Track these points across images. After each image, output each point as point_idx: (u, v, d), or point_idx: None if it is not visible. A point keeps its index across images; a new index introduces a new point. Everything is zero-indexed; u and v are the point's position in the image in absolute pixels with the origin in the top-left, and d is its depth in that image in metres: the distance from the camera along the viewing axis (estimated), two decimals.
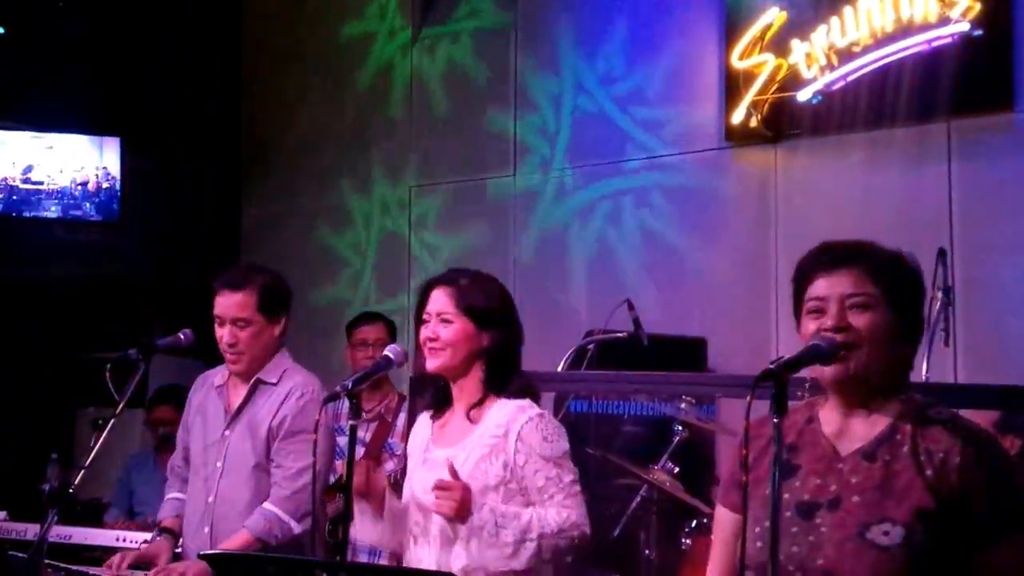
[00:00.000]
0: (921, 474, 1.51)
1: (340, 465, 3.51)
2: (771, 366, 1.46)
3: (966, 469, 1.49)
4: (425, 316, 2.18)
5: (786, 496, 1.58)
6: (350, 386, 2.01)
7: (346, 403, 3.36)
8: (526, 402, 2.13)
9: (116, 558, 2.62)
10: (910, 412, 1.57)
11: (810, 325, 1.57)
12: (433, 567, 2.02)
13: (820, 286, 1.58)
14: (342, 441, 3.61)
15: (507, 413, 2.10)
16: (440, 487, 2.00)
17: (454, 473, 2.02)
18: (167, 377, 4.25)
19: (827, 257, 1.60)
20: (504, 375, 2.14)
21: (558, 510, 2.04)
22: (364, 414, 3.58)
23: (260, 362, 2.70)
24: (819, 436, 1.61)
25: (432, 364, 2.15)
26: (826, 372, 1.56)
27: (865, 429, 1.58)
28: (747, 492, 1.54)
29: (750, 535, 1.58)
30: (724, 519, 1.72)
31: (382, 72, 5.47)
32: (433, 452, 2.18)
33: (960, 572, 1.50)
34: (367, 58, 5.52)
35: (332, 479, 3.46)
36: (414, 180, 5.33)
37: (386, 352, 2.17)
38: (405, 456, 2.32)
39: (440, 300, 2.16)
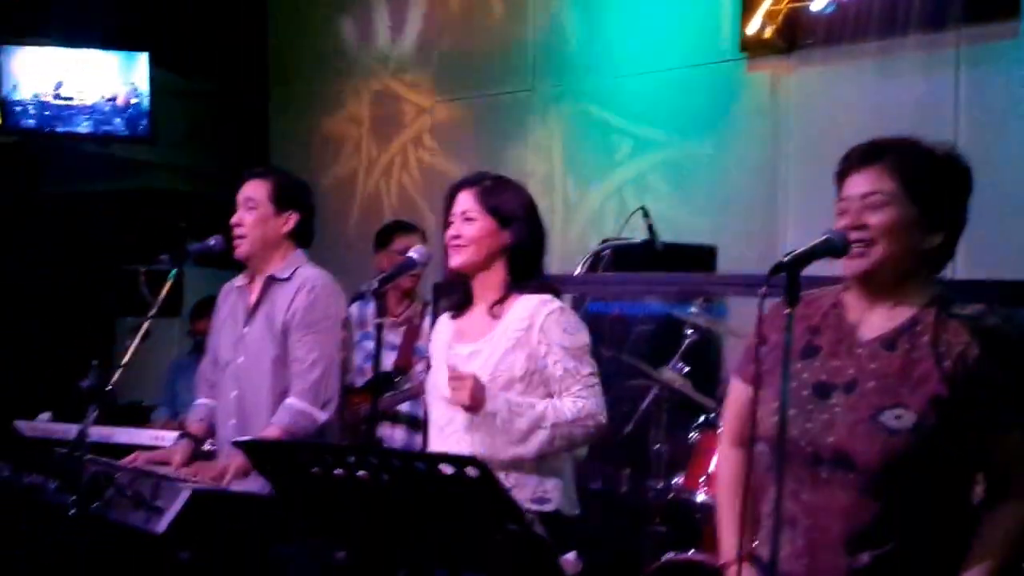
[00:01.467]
0: (939, 365, 1.55)
1: (370, 369, 3.64)
2: (784, 259, 1.53)
3: (982, 362, 1.54)
4: (450, 218, 2.22)
5: (805, 375, 1.63)
6: (376, 285, 2.08)
7: (372, 307, 3.56)
8: (548, 296, 2.16)
9: (130, 457, 2.67)
10: (934, 305, 1.62)
11: (837, 222, 1.64)
12: None
13: (846, 186, 1.64)
14: (368, 346, 3.66)
15: (530, 307, 2.14)
16: (452, 377, 2.04)
17: (453, 369, 2.06)
18: (206, 290, 4.36)
19: (855, 156, 1.65)
20: (525, 274, 2.18)
21: (574, 400, 2.07)
22: (394, 318, 3.65)
23: (261, 251, 2.72)
24: (843, 321, 1.65)
25: (455, 260, 2.19)
26: (846, 267, 1.61)
27: (888, 318, 1.63)
28: (759, 370, 1.59)
29: (766, 410, 1.62)
30: (739, 389, 1.78)
31: None
32: (456, 348, 2.21)
33: (963, 458, 1.57)
34: None
35: (360, 381, 3.58)
36: (438, 95, 5.41)
37: (410, 253, 2.25)
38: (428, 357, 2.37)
39: (464, 200, 2.20)
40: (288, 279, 2.74)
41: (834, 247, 1.60)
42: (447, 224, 2.24)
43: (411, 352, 3.67)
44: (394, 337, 3.64)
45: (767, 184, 4.33)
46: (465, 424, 2.12)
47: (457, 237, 2.19)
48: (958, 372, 1.56)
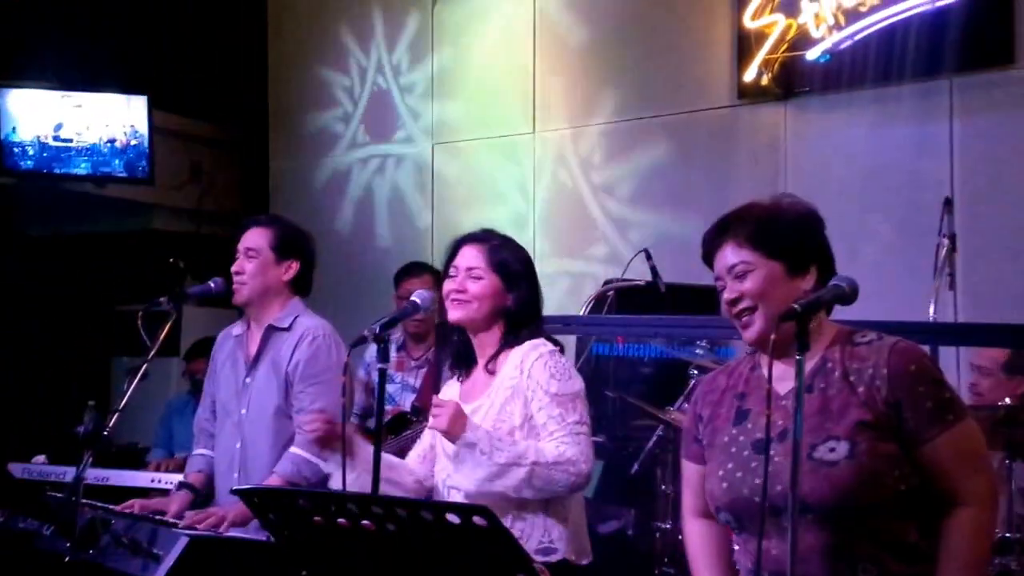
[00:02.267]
0: (854, 392, 1.62)
1: (391, 410, 3.61)
2: (794, 306, 1.56)
3: (892, 378, 1.60)
4: (452, 270, 2.21)
5: (742, 439, 1.70)
6: (378, 330, 2.02)
7: (394, 351, 3.52)
8: (539, 341, 2.16)
9: (126, 504, 2.63)
10: (838, 341, 1.70)
11: (723, 299, 1.72)
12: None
13: (715, 266, 1.74)
14: (390, 389, 3.65)
15: (521, 354, 2.15)
16: (435, 404, 2.03)
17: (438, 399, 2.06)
18: (203, 330, 4.38)
19: (708, 239, 1.76)
20: (521, 332, 2.18)
21: (556, 445, 2.05)
22: (412, 361, 3.68)
23: (260, 300, 2.71)
24: (762, 380, 1.72)
25: (455, 315, 2.18)
26: (745, 339, 1.70)
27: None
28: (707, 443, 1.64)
29: (714, 479, 1.71)
30: (689, 468, 1.84)
31: (408, 29, 5.56)
32: (463, 406, 2.16)
33: (911, 474, 1.61)
34: (394, 16, 5.61)
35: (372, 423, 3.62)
36: (436, 137, 5.47)
37: (413, 297, 2.19)
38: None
39: (471, 255, 2.19)
40: (288, 328, 2.74)
41: (843, 294, 1.64)
42: (446, 274, 2.24)
43: (431, 393, 3.67)
44: (413, 379, 3.65)
45: None
46: (453, 459, 2.10)
47: (462, 292, 2.18)
48: (874, 396, 1.62)
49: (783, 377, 1.70)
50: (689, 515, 1.86)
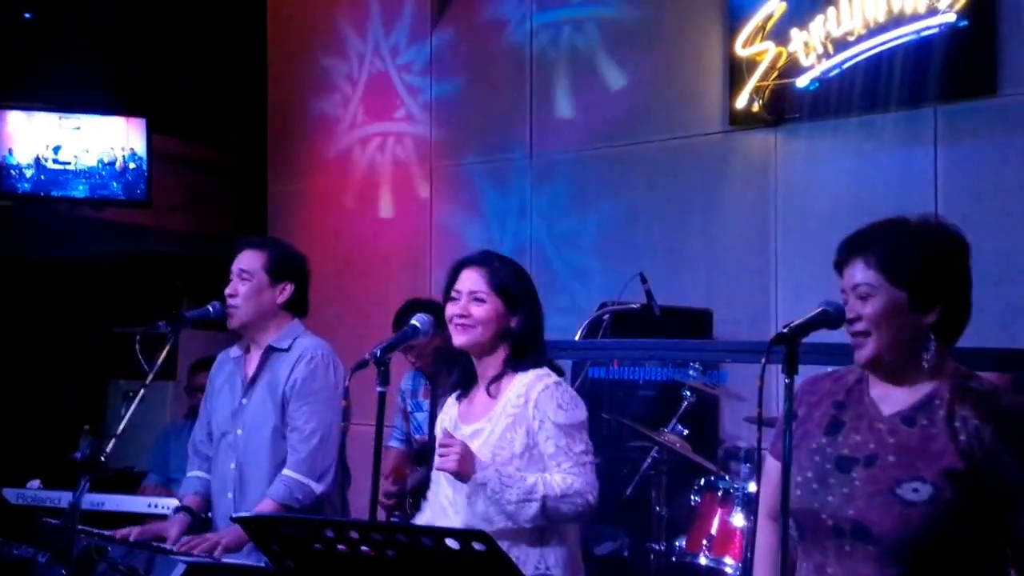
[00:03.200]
0: (955, 439, 1.59)
1: (419, 439, 3.63)
2: (783, 330, 1.59)
3: (998, 439, 1.57)
4: (454, 294, 2.20)
5: (829, 450, 1.67)
6: (379, 354, 2.05)
7: (423, 379, 3.51)
8: (544, 370, 2.17)
9: (125, 531, 2.62)
10: (949, 381, 1.67)
11: (845, 313, 1.68)
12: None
13: (844, 277, 1.71)
14: (420, 417, 3.71)
15: (526, 382, 2.15)
16: (443, 444, 2.04)
17: (446, 434, 2.09)
18: (199, 353, 4.37)
19: (843, 249, 1.72)
20: (525, 355, 2.18)
21: (564, 476, 2.06)
22: (442, 387, 3.72)
23: (256, 322, 2.71)
24: (864, 396, 1.70)
25: (461, 339, 2.17)
26: (856, 357, 1.67)
27: (907, 394, 1.68)
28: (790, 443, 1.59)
29: (792, 483, 1.64)
30: (770, 467, 1.83)
31: (406, 55, 5.62)
32: (460, 429, 2.21)
33: (980, 533, 1.59)
34: (392, 42, 5.66)
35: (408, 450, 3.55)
36: (435, 161, 5.51)
37: (413, 321, 2.21)
38: (433, 436, 2.35)
39: (473, 279, 2.19)
40: (287, 349, 2.75)
41: (830, 318, 1.66)
42: (447, 299, 2.24)
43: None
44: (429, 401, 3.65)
45: (758, 249, 4.45)
46: (461, 496, 2.12)
47: (465, 316, 2.18)
48: (974, 448, 1.60)
49: (885, 399, 1.69)
50: (764, 514, 1.85)
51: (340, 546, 1.64)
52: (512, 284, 2.20)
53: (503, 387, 2.18)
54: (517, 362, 2.19)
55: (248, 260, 2.74)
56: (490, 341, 2.18)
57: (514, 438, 2.12)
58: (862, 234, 1.72)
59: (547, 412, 2.11)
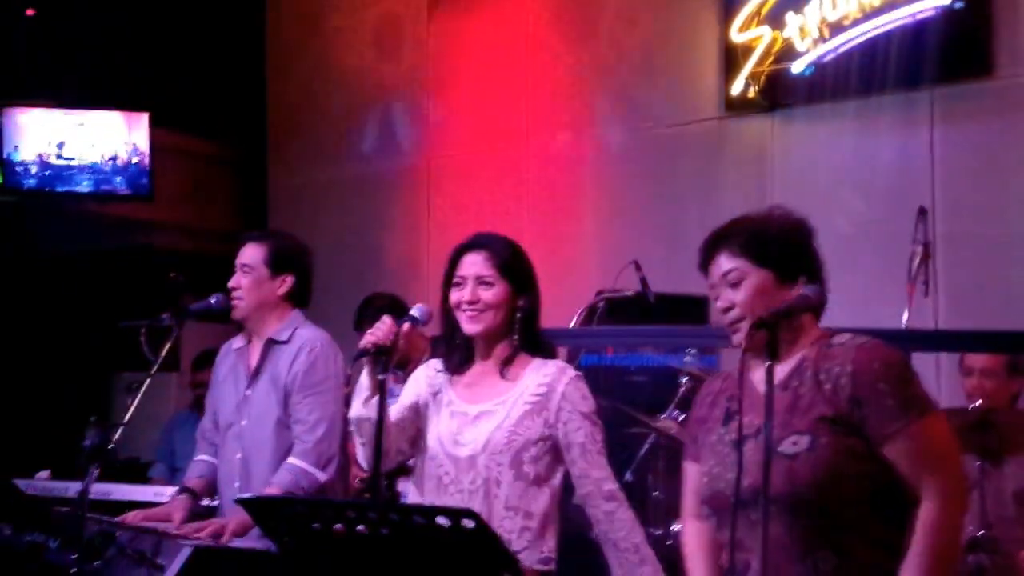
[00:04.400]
0: (820, 390, 1.70)
1: None
2: (764, 316, 1.67)
3: (856, 374, 1.67)
4: (458, 280, 2.17)
5: (727, 437, 1.78)
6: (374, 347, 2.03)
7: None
8: (563, 363, 2.19)
9: (130, 515, 2.65)
10: (816, 343, 1.79)
11: (715, 307, 1.82)
12: None
13: (710, 274, 1.83)
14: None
15: (549, 373, 2.14)
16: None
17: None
18: (202, 344, 4.41)
19: (705, 249, 1.85)
20: (534, 335, 2.18)
21: (611, 494, 2.09)
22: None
23: (257, 314, 2.75)
24: (747, 381, 1.82)
25: (474, 327, 2.14)
26: (734, 342, 1.79)
27: (782, 367, 1.77)
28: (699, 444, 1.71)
29: (700, 477, 1.81)
30: (688, 471, 1.93)
31: (404, 47, 5.67)
32: (463, 407, 2.18)
33: (867, 475, 1.67)
34: (389, 34, 5.71)
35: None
36: (432, 152, 5.55)
37: (412, 312, 2.18)
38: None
39: (477, 263, 2.15)
40: (287, 341, 2.78)
41: (810, 303, 1.75)
42: (449, 285, 2.20)
43: None
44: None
45: None
46: (484, 487, 2.12)
47: (475, 302, 2.15)
48: (838, 391, 1.69)
49: (766, 380, 1.74)
50: (687, 516, 1.92)
51: (337, 525, 1.69)
52: (516, 264, 2.19)
53: (519, 372, 2.16)
54: (528, 344, 2.18)
55: (249, 254, 2.78)
56: (503, 324, 2.16)
57: (531, 425, 2.12)
58: (718, 232, 1.85)
59: (575, 403, 2.12)
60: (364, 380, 2.17)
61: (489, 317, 2.15)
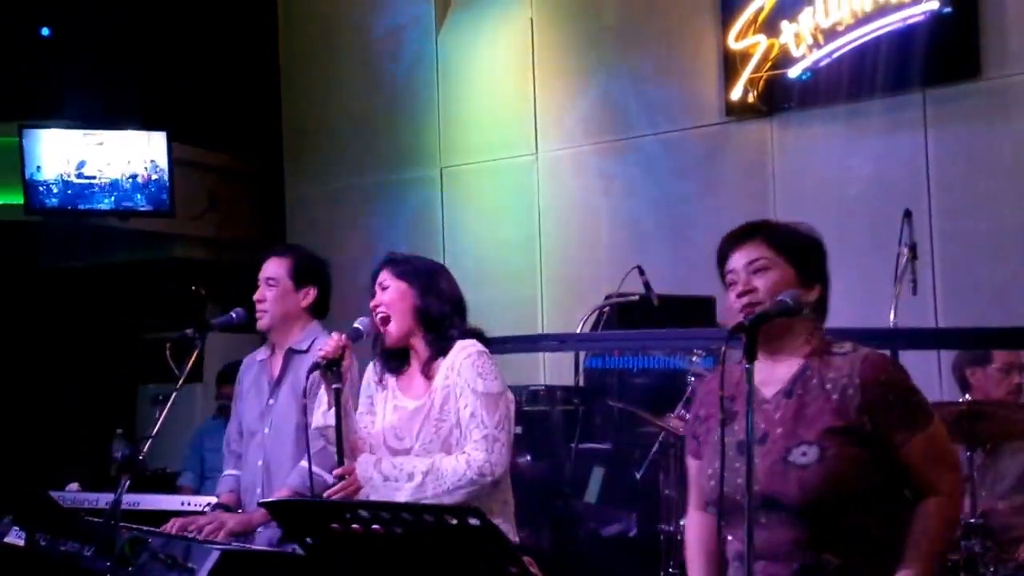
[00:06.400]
0: (828, 400, 1.75)
1: None
2: (743, 320, 1.73)
3: (864, 387, 1.73)
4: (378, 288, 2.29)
5: (728, 439, 1.80)
6: (323, 362, 2.19)
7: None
8: (469, 341, 2.23)
9: (168, 524, 2.70)
10: (818, 351, 1.84)
11: (729, 295, 1.85)
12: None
13: (731, 261, 1.86)
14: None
15: (453, 355, 2.23)
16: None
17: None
18: (224, 355, 4.51)
19: (733, 237, 1.89)
20: (444, 333, 2.26)
21: (466, 455, 2.13)
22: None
23: (282, 325, 2.82)
24: (746, 384, 1.78)
25: (388, 339, 2.26)
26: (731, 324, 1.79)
27: (784, 372, 1.84)
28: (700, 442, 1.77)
29: (704, 477, 1.86)
30: (691, 464, 1.99)
31: (414, 58, 5.80)
32: (402, 401, 2.29)
33: (875, 481, 1.74)
34: (400, 46, 5.83)
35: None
36: (444, 161, 5.68)
37: (355, 324, 2.30)
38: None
39: (382, 275, 2.30)
40: (307, 351, 2.85)
41: (787, 308, 1.78)
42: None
43: None
44: None
45: None
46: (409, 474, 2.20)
47: (378, 305, 2.29)
48: (846, 402, 1.75)
49: (767, 381, 1.83)
50: (691, 507, 1.99)
51: (355, 525, 1.82)
52: (414, 268, 2.31)
53: (435, 368, 2.26)
54: (443, 342, 2.25)
55: (273, 268, 2.88)
56: (406, 325, 2.25)
57: (451, 409, 2.20)
58: (750, 224, 1.90)
59: (467, 378, 2.17)
60: (323, 393, 2.30)
61: (394, 324, 2.26)
